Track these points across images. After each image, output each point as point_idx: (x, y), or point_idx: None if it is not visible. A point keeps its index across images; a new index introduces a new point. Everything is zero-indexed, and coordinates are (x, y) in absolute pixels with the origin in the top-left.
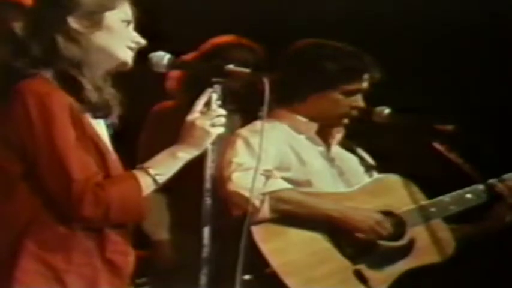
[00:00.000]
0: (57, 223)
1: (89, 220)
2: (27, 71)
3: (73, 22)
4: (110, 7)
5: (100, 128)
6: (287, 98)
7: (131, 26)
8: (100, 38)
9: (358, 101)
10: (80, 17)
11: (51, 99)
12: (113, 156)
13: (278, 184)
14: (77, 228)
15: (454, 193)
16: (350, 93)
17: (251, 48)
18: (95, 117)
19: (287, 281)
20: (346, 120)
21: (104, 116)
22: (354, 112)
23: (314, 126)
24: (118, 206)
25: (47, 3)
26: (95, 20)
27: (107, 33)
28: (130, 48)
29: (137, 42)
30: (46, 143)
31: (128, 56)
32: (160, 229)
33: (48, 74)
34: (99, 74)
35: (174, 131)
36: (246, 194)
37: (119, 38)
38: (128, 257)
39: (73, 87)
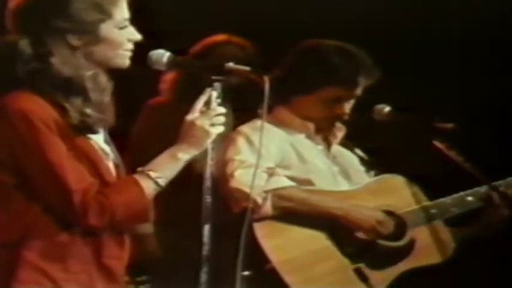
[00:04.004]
0: (58, 230)
1: (95, 228)
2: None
3: (72, 39)
4: (107, 17)
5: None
6: (285, 96)
7: (127, 23)
8: (98, 51)
9: (343, 106)
10: (78, 34)
11: (36, 115)
12: (107, 163)
13: (281, 182)
14: (78, 234)
15: (455, 195)
16: (334, 99)
17: (242, 46)
18: (80, 134)
19: (287, 278)
20: (338, 123)
21: (91, 133)
22: (345, 117)
23: (311, 125)
24: (123, 212)
25: (45, 23)
26: (93, 34)
27: (105, 45)
28: (128, 50)
29: (134, 40)
30: (39, 159)
31: (125, 61)
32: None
33: (34, 89)
34: (92, 86)
35: (166, 126)
36: (249, 191)
37: (117, 47)
38: (122, 261)
39: (57, 107)
